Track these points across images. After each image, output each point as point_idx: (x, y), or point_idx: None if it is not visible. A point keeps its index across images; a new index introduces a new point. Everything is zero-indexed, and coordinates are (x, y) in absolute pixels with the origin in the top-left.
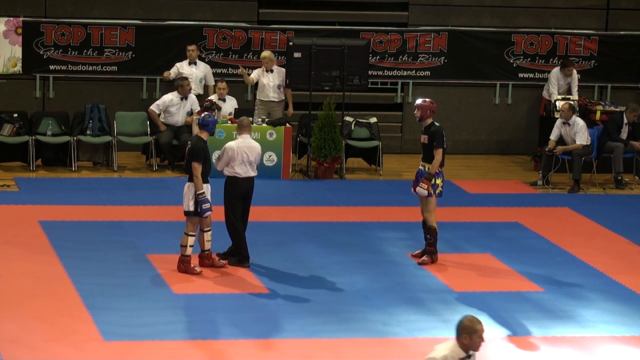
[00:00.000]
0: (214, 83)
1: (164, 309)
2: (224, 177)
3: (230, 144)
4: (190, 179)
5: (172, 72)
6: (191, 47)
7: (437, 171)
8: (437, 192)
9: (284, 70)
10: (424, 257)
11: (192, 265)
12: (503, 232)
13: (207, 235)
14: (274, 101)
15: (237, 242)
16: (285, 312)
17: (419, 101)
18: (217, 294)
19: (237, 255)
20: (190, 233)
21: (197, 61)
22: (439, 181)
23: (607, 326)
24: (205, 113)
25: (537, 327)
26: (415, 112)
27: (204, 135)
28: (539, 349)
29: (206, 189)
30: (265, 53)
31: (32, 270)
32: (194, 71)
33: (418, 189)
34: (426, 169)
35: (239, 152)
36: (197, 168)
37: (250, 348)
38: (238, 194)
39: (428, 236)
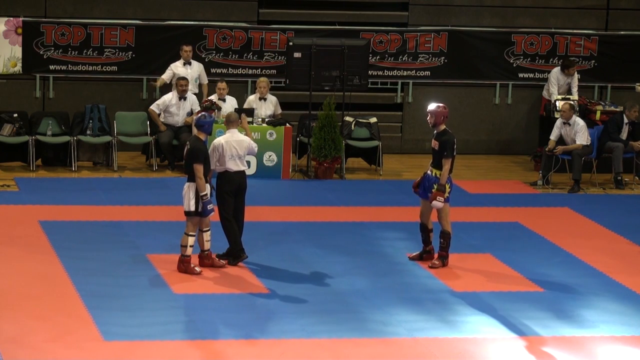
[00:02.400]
0: (207, 82)
1: (164, 309)
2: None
3: (218, 139)
4: (190, 179)
5: (167, 76)
6: (188, 48)
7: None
8: (445, 197)
9: (275, 99)
10: (435, 261)
11: (192, 266)
12: (503, 232)
13: (207, 235)
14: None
15: (230, 236)
16: (285, 312)
17: (432, 107)
18: (217, 294)
19: (233, 251)
20: (191, 233)
21: (191, 61)
22: (447, 186)
23: (607, 326)
24: (202, 113)
25: (537, 327)
26: (428, 118)
27: (202, 136)
28: (539, 349)
29: (207, 188)
30: (262, 79)
31: (32, 270)
32: (189, 71)
33: (434, 203)
34: (434, 175)
35: (228, 147)
36: (199, 169)
37: (250, 348)
38: (230, 190)
39: (441, 240)
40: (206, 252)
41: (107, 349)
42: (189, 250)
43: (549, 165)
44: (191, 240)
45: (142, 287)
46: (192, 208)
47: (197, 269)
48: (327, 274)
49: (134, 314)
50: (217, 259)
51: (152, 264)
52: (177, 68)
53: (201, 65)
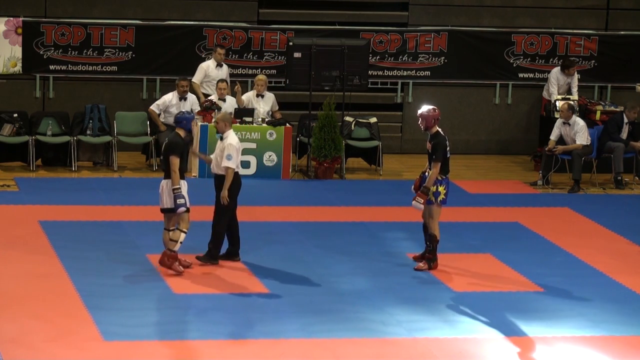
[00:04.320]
0: (229, 83)
1: (164, 309)
2: (211, 177)
3: (235, 140)
4: (167, 176)
5: (198, 77)
6: (222, 51)
7: (440, 178)
8: (439, 199)
9: (273, 96)
10: (421, 264)
11: (176, 263)
12: (503, 232)
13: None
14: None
15: (221, 241)
16: (285, 312)
17: (422, 110)
18: (217, 294)
19: (213, 254)
20: (182, 230)
21: (222, 63)
22: (441, 188)
23: (607, 326)
24: (181, 110)
25: (537, 327)
26: (419, 122)
27: (182, 132)
28: (538, 349)
29: (183, 184)
30: (261, 77)
31: (32, 270)
32: (220, 73)
33: (414, 203)
34: (427, 175)
35: (240, 147)
36: (175, 163)
37: (250, 348)
38: (238, 192)
39: (428, 243)
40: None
41: (107, 349)
42: (178, 246)
43: (549, 165)
44: (182, 237)
45: (142, 287)
46: (173, 205)
47: (181, 267)
48: (327, 274)
49: (134, 314)
50: (183, 260)
51: (152, 264)
52: (209, 69)
53: (227, 67)
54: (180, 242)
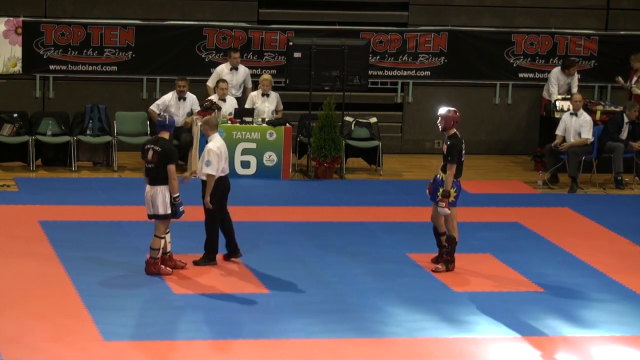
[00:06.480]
0: (251, 85)
1: (164, 309)
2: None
3: (216, 145)
4: (153, 183)
5: (212, 81)
6: (236, 55)
7: (453, 181)
8: (449, 200)
9: (278, 95)
10: (438, 265)
11: (163, 267)
12: (503, 232)
13: (168, 237)
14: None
15: (215, 241)
16: (285, 312)
17: (443, 111)
18: (217, 294)
19: (210, 255)
20: (163, 235)
21: (238, 66)
22: (452, 191)
23: (607, 326)
24: (163, 114)
25: (537, 327)
26: (438, 121)
27: (166, 135)
28: (539, 349)
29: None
30: (266, 76)
31: (32, 270)
32: (234, 77)
33: (439, 209)
34: (441, 178)
35: (223, 150)
36: (173, 170)
37: (250, 348)
38: (225, 192)
39: (446, 245)
40: (169, 254)
41: (107, 349)
42: (160, 252)
43: (553, 162)
44: (163, 243)
45: (142, 287)
46: (169, 211)
47: (169, 269)
48: (327, 274)
49: (134, 314)
50: (178, 261)
51: None
52: (223, 72)
53: (247, 70)
54: (161, 248)
